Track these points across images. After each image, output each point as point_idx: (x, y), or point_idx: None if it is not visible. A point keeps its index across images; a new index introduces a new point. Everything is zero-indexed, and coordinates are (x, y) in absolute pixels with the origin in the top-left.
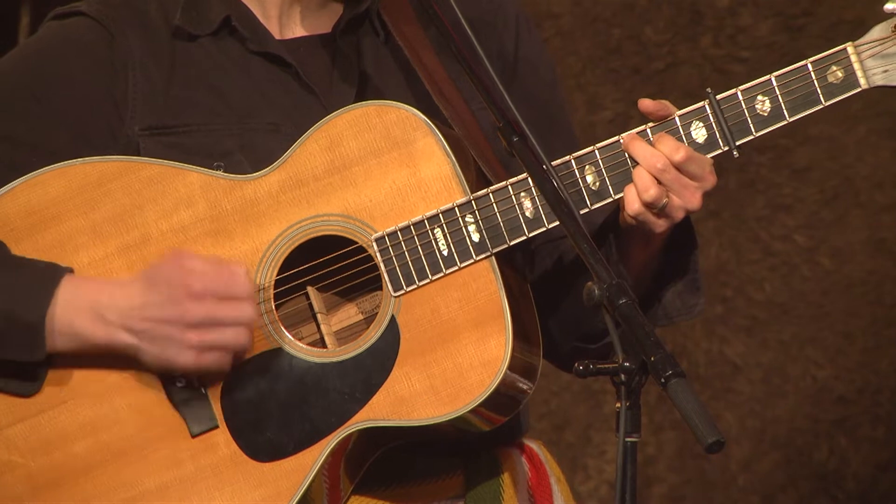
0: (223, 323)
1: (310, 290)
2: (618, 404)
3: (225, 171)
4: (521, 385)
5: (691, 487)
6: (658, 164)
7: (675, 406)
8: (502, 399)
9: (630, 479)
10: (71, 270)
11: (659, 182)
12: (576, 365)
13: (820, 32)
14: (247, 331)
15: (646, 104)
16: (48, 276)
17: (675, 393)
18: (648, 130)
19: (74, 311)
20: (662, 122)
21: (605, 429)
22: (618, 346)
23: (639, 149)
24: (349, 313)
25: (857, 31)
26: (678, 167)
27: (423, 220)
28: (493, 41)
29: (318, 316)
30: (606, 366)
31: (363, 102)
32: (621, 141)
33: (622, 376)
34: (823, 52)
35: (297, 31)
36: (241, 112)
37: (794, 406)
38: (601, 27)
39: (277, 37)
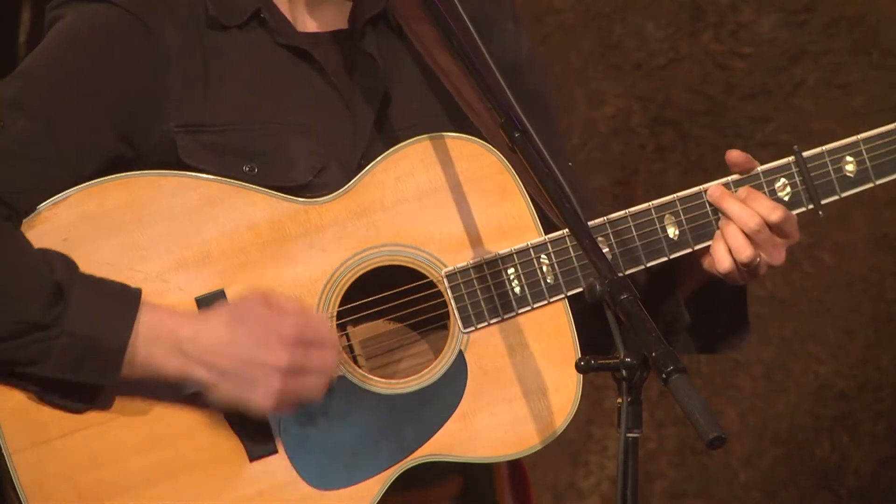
0: (309, 371)
1: (350, 331)
2: (619, 400)
3: (257, 172)
4: None
5: (693, 483)
6: (752, 223)
7: (676, 402)
8: None
9: (631, 475)
10: (139, 292)
11: (751, 241)
12: (576, 360)
13: (821, 28)
14: (327, 379)
15: (734, 156)
16: (126, 300)
17: (677, 389)
18: (731, 183)
19: (152, 343)
20: (746, 175)
21: (606, 424)
22: (619, 342)
23: (732, 206)
24: (406, 362)
25: (857, 27)
26: (773, 227)
27: (496, 258)
28: (496, 41)
29: (359, 359)
30: (608, 361)
31: (436, 134)
32: (706, 193)
33: (623, 372)
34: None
35: (308, 25)
36: (270, 108)
37: (795, 402)
38: (603, 23)
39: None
